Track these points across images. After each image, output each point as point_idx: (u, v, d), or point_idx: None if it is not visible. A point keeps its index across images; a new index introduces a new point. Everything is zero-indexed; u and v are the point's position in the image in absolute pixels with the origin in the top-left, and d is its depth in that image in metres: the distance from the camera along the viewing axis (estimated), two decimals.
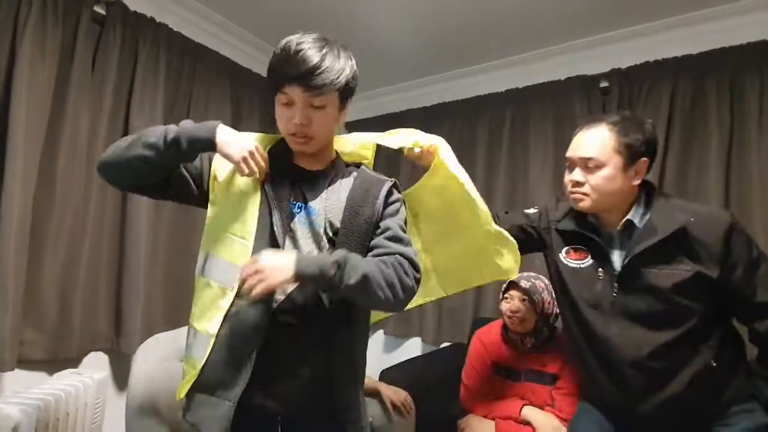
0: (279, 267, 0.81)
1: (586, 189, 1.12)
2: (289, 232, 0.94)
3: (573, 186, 1.14)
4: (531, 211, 1.36)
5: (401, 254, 0.91)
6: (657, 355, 1.06)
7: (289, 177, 0.97)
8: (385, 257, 0.90)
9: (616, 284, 1.12)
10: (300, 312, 0.91)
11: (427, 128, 2.67)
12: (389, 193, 1.00)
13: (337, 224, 0.95)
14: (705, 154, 1.91)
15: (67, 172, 1.69)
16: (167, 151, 0.87)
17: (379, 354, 2.78)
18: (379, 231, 0.96)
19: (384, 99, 3.02)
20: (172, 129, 0.89)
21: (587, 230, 1.18)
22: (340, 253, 0.85)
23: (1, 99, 1.54)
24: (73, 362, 1.71)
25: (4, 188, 1.50)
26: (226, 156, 0.90)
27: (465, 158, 2.59)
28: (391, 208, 0.99)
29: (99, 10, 1.79)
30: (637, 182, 1.12)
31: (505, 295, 1.63)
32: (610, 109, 2.16)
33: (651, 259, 1.07)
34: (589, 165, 1.11)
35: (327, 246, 0.94)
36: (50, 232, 1.65)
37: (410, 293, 0.90)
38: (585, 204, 1.14)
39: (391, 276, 0.86)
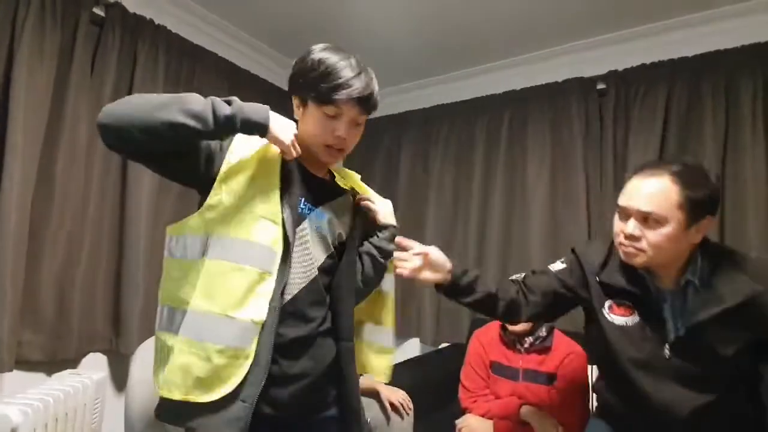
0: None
1: (642, 245, 1.00)
2: (299, 226, 0.94)
3: (627, 239, 1.02)
4: (558, 267, 1.22)
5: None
6: (701, 412, 1.02)
7: (299, 176, 0.97)
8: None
9: (668, 346, 1.03)
10: (309, 305, 0.94)
11: (426, 129, 2.76)
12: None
13: (344, 237, 1.03)
14: (700, 157, 1.92)
15: (66, 174, 1.69)
16: (216, 126, 0.80)
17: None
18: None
19: (383, 101, 2.99)
20: (222, 105, 0.82)
21: (637, 287, 1.07)
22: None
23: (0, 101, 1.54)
24: (72, 363, 1.71)
25: (2, 190, 1.50)
26: (276, 141, 0.88)
27: (463, 159, 2.62)
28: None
29: (98, 11, 1.80)
30: (698, 240, 1.02)
31: None
32: (606, 111, 2.18)
33: (712, 325, 0.99)
34: (648, 219, 0.99)
35: (334, 252, 1.01)
36: (49, 233, 1.65)
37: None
38: (639, 260, 1.02)
39: None
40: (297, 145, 0.91)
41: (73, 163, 1.71)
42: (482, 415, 1.55)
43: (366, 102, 0.94)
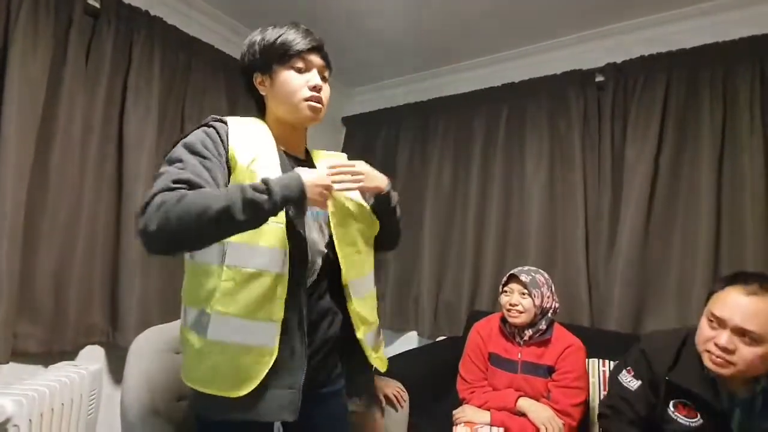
0: (378, 176, 1.00)
1: (734, 359, 1.02)
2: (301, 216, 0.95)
3: (719, 350, 1.04)
4: (635, 384, 1.22)
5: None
6: None
7: (288, 164, 0.97)
8: None
9: None
10: (324, 287, 1.00)
11: (424, 123, 2.75)
12: None
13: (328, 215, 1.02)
14: (698, 149, 1.92)
15: (62, 165, 1.68)
16: (262, 221, 0.82)
17: None
18: None
19: (380, 94, 3.02)
20: (262, 198, 0.79)
21: (707, 392, 1.09)
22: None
23: None
24: (70, 355, 1.71)
25: None
26: (316, 203, 0.89)
27: (461, 152, 2.61)
28: None
29: (92, 2, 1.77)
30: None
31: (505, 288, 1.64)
32: (605, 103, 2.17)
33: None
34: (745, 335, 1.01)
35: (326, 233, 1.01)
36: (44, 225, 1.64)
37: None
38: (727, 371, 1.03)
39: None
40: (330, 187, 0.91)
41: (68, 155, 1.70)
42: (480, 406, 1.55)
43: (323, 50, 1.00)
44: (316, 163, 1.07)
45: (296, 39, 0.97)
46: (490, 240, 2.41)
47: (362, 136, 3.02)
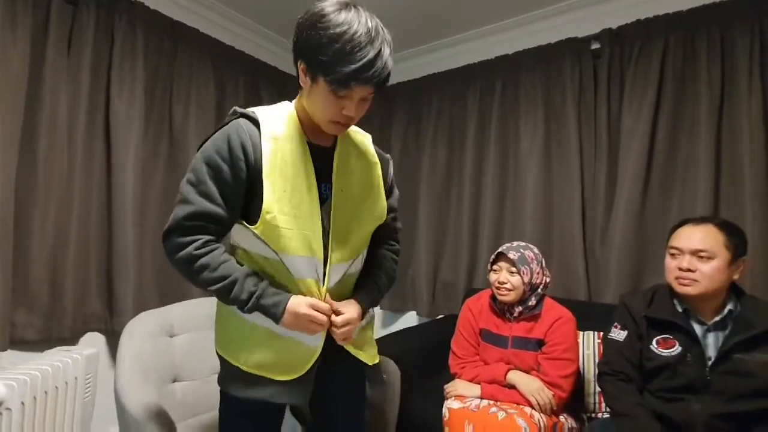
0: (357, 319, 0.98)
1: (696, 276, 1.23)
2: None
3: (683, 272, 1.25)
4: (620, 335, 1.37)
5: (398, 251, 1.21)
6: (731, 418, 1.19)
7: (313, 157, 0.95)
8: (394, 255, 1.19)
9: (707, 369, 1.23)
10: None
11: (416, 101, 2.70)
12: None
13: None
14: (696, 114, 1.86)
15: (49, 154, 1.69)
16: (236, 304, 0.91)
17: (377, 328, 2.81)
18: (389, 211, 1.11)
19: None
20: (242, 299, 0.90)
21: (680, 320, 1.28)
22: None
23: None
24: (68, 342, 1.74)
25: None
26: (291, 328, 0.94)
27: (456, 131, 2.57)
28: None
29: None
30: (736, 277, 1.25)
31: (494, 267, 1.62)
32: (601, 74, 2.10)
33: (746, 348, 1.20)
34: (700, 255, 1.24)
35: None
36: (36, 214, 1.66)
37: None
38: (692, 289, 1.24)
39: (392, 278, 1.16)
40: (321, 320, 0.93)
41: (55, 143, 1.71)
42: (471, 380, 1.55)
43: (382, 83, 0.86)
44: (338, 151, 1.00)
45: (357, 69, 0.80)
46: (486, 217, 2.39)
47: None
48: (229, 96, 2.35)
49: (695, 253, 1.24)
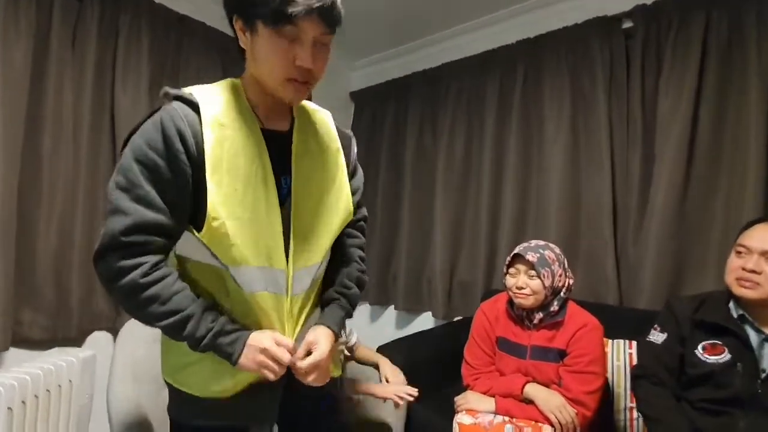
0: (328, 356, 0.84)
1: (759, 279, 1.14)
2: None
3: (748, 273, 1.15)
4: (659, 337, 1.28)
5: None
6: None
7: (267, 145, 0.81)
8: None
9: (759, 381, 1.13)
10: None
11: (433, 92, 2.56)
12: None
13: None
14: (744, 98, 1.64)
15: (54, 152, 1.68)
16: (188, 341, 0.77)
17: (392, 329, 2.71)
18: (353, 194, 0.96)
19: (387, 64, 2.85)
20: (205, 339, 0.76)
21: (733, 324, 1.18)
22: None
23: None
24: (75, 342, 1.74)
25: None
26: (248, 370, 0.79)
27: (474, 121, 2.42)
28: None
29: None
30: None
31: (510, 270, 1.48)
32: (634, 55, 1.91)
33: None
34: None
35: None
36: (41, 213, 1.65)
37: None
38: (754, 293, 1.14)
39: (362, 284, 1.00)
40: (279, 358, 0.77)
41: (60, 141, 1.69)
42: (484, 393, 1.43)
43: (330, 12, 0.72)
44: (296, 135, 0.86)
45: None
46: (507, 213, 2.23)
47: (370, 111, 2.86)
48: None
49: (765, 254, 1.14)
